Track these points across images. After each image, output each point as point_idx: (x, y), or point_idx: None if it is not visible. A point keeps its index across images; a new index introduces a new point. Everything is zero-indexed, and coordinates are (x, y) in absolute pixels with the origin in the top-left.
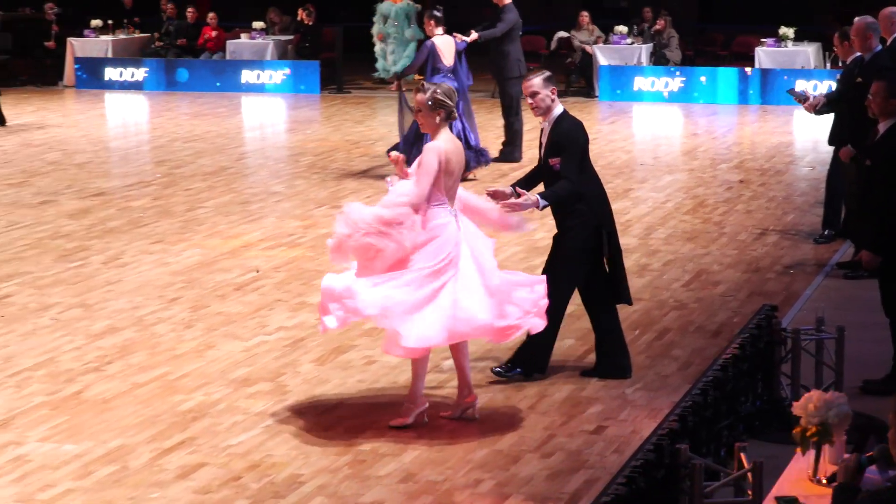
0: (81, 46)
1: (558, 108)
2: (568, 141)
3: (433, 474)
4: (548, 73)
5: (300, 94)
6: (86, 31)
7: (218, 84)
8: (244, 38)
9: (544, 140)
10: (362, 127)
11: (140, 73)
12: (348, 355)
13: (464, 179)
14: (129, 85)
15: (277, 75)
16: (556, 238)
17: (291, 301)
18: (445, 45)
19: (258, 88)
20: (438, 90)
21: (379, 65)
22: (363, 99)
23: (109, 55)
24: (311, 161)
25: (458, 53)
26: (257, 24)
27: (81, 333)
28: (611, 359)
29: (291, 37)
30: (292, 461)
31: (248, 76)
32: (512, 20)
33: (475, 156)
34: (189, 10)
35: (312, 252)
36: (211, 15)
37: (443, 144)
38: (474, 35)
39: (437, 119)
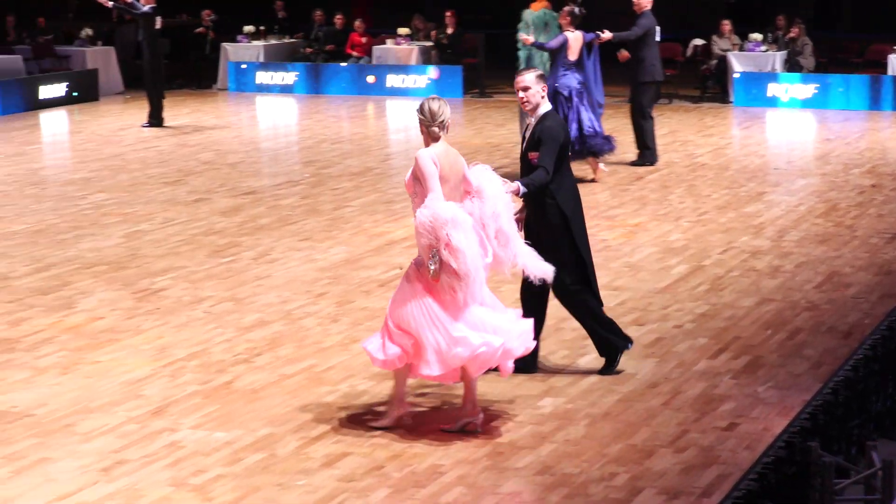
0: (235, 51)
1: (545, 106)
2: (549, 136)
3: (569, 467)
4: (539, 72)
5: (445, 97)
6: (239, 37)
7: (363, 88)
8: (390, 43)
9: (527, 135)
10: (504, 130)
11: (290, 77)
12: None
13: (593, 180)
14: (279, 88)
15: (421, 80)
16: (527, 227)
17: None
18: (575, 41)
19: (402, 92)
20: (419, 108)
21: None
22: (505, 103)
23: (261, 60)
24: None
25: (588, 46)
26: (402, 31)
27: (232, 326)
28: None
29: (432, 43)
30: (433, 452)
31: (392, 80)
32: (647, 25)
33: (605, 142)
34: (337, 16)
35: None
36: (357, 22)
37: (431, 149)
38: (608, 35)
39: (421, 130)
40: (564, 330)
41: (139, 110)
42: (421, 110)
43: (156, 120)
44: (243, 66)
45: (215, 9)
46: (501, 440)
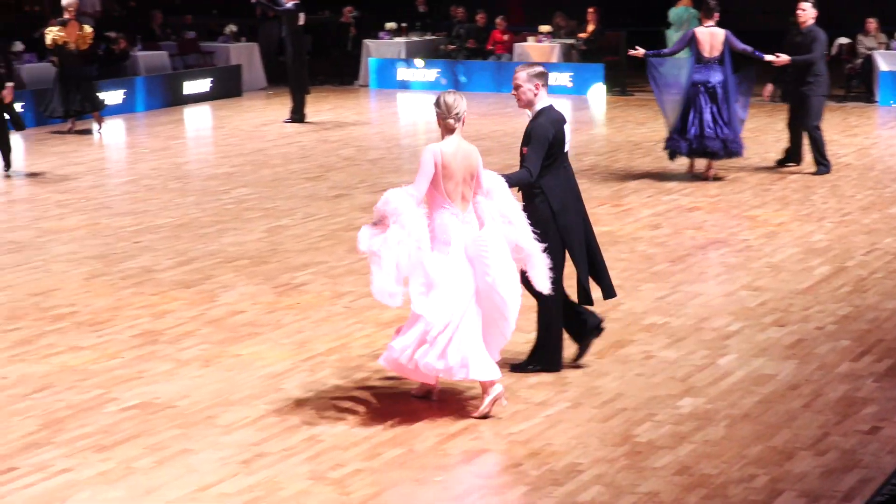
0: (376, 48)
1: (542, 103)
2: (537, 134)
3: (708, 468)
4: (538, 70)
5: (583, 96)
6: (381, 34)
7: (504, 85)
8: (531, 41)
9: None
10: (644, 129)
11: (431, 74)
12: (627, 350)
13: (705, 177)
14: (420, 85)
15: (563, 77)
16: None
17: (572, 296)
18: (707, 36)
19: None
20: (436, 99)
21: None
22: (646, 101)
23: (402, 56)
24: (594, 161)
25: (741, 55)
26: (544, 28)
27: (372, 322)
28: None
29: (573, 41)
30: (571, 450)
31: None
32: (823, 40)
33: (722, 147)
34: (479, 14)
35: None
36: (499, 20)
37: (439, 146)
38: (785, 58)
39: (437, 123)
40: (704, 330)
41: (281, 106)
42: (437, 103)
43: (298, 116)
44: (412, 69)
45: (357, 5)
46: (640, 439)
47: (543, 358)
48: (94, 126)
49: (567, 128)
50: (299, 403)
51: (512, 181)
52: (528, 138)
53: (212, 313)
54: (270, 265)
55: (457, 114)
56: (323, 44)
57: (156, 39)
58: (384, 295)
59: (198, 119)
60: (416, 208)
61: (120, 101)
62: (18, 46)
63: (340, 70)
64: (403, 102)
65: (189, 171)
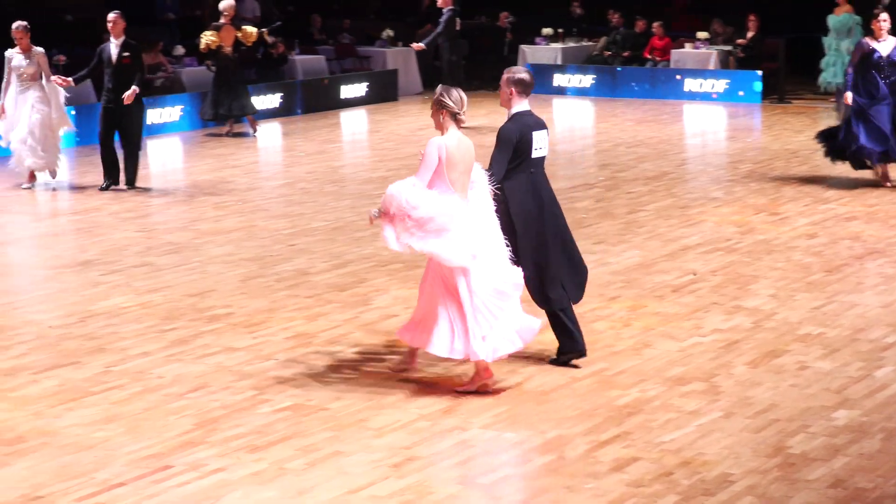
0: (533, 53)
1: (518, 108)
2: (501, 136)
3: (863, 481)
4: (517, 77)
5: (741, 103)
6: (537, 39)
7: (662, 92)
8: (688, 48)
9: None
10: (802, 137)
11: (587, 80)
12: (782, 360)
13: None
14: (576, 91)
15: (719, 84)
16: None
17: (727, 304)
18: (883, 47)
19: (700, 97)
20: (445, 93)
21: (822, 76)
22: (804, 109)
23: (559, 62)
24: (751, 169)
25: None
26: (701, 35)
27: None
28: None
29: (730, 48)
30: (723, 460)
31: (690, 85)
32: None
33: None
34: (638, 21)
35: (748, 258)
36: (655, 25)
37: (443, 138)
38: None
39: (441, 118)
40: (860, 341)
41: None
42: (450, 97)
43: None
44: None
45: (513, 10)
46: (793, 451)
47: (565, 346)
48: (250, 130)
49: (541, 134)
50: (450, 408)
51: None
52: (496, 141)
53: (365, 317)
54: (423, 269)
55: (465, 110)
56: (479, 49)
57: (314, 44)
58: (466, 256)
59: (354, 123)
60: (429, 192)
61: (277, 105)
62: (179, 50)
63: (496, 75)
64: (559, 108)
65: (345, 174)
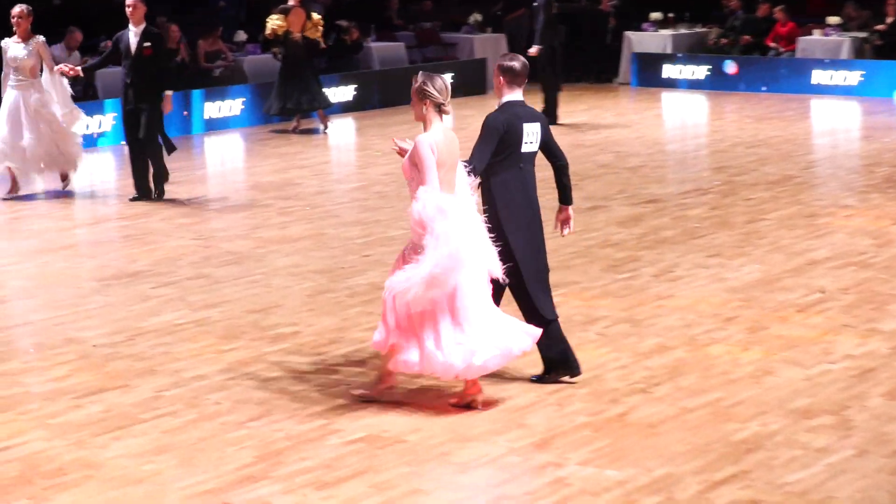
0: (639, 41)
1: (508, 97)
2: (486, 126)
3: None
4: (508, 65)
5: (877, 98)
6: (644, 25)
7: (786, 85)
8: (817, 34)
9: None
10: None
11: (701, 71)
12: None
13: None
14: (688, 83)
15: (853, 76)
16: None
17: (860, 327)
18: None
19: (830, 90)
20: (428, 81)
21: None
22: None
23: (668, 51)
24: (889, 173)
25: None
26: (832, 20)
27: (628, 351)
28: None
29: (866, 34)
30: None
31: (819, 77)
32: None
33: None
34: (761, 4)
35: (886, 274)
36: (777, 10)
37: (431, 135)
38: None
39: (423, 109)
40: None
41: (531, 105)
42: (434, 86)
43: (550, 116)
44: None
45: None
46: None
47: (546, 366)
48: (320, 126)
49: (533, 127)
50: (545, 441)
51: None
52: (480, 130)
53: None
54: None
55: (449, 100)
56: (579, 36)
57: (392, 29)
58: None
59: None
60: (456, 210)
61: (350, 98)
62: (241, 36)
63: (598, 66)
64: (669, 103)
65: None
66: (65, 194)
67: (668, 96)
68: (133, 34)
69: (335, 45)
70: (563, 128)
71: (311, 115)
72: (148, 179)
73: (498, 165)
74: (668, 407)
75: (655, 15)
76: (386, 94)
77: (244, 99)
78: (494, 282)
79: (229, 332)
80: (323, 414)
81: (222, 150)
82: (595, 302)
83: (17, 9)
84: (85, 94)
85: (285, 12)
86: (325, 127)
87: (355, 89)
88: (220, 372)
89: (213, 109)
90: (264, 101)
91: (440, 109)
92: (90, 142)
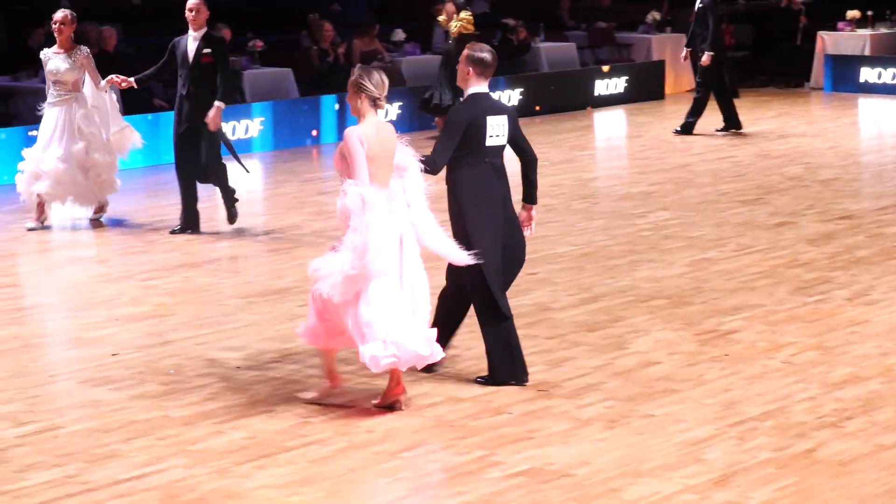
0: (834, 42)
1: (473, 89)
2: (448, 119)
3: None
4: (477, 56)
5: None
6: (839, 24)
7: None
8: None
9: None
10: None
11: None
12: None
13: None
14: (888, 88)
15: None
16: None
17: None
18: None
19: None
20: (364, 74)
21: None
22: None
23: (866, 53)
24: None
25: None
26: None
27: (817, 381)
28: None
29: None
30: None
31: None
32: None
33: None
34: None
35: None
36: None
37: (361, 128)
38: None
39: (359, 102)
40: None
41: (711, 111)
42: (370, 80)
43: (733, 123)
44: None
45: None
46: None
47: (491, 369)
48: None
49: (498, 120)
50: (724, 479)
51: (423, 161)
52: (444, 124)
53: (620, 363)
54: (693, 307)
55: (385, 94)
56: (766, 36)
57: (562, 29)
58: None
59: (610, 125)
60: (380, 203)
61: (516, 102)
62: (399, 35)
63: (787, 68)
64: (866, 110)
65: (597, 188)
66: (35, 227)
67: (864, 102)
68: (192, 39)
69: (500, 44)
70: (747, 136)
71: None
72: (196, 210)
73: (462, 160)
74: (862, 443)
75: (852, 13)
76: (554, 98)
77: (400, 103)
78: (474, 272)
79: None
80: (482, 444)
81: None
82: (781, 327)
83: (59, 14)
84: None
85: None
86: None
87: (521, 93)
88: (371, 397)
89: None
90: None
91: (375, 103)
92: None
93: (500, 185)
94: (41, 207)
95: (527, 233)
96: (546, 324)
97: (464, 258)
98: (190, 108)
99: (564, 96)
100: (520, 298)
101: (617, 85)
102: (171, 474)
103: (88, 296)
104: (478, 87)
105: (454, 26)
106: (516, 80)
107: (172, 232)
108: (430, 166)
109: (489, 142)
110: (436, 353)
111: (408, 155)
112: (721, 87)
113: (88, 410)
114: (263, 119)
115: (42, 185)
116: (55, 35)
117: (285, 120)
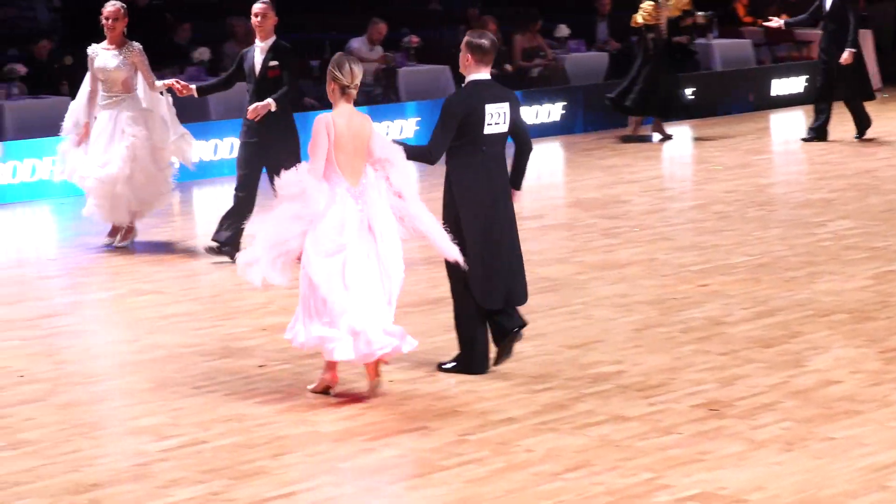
0: None
1: (473, 76)
2: (444, 108)
3: None
4: (476, 42)
5: None
6: None
7: None
8: None
9: None
10: None
11: None
12: None
13: None
14: None
15: None
16: None
17: None
18: None
19: None
20: (336, 65)
21: None
22: None
23: None
24: None
25: None
26: None
27: None
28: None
29: None
30: None
31: None
32: None
33: None
34: None
35: None
36: None
37: (331, 115)
38: None
39: (331, 90)
40: None
41: (883, 114)
42: (341, 69)
43: (863, 129)
44: None
45: None
46: None
47: (460, 358)
48: (654, 135)
49: (498, 108)
50: None
51: (410, 153)
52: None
53: (797, 382)
54: (877, 322)
55: (357, 84)
56: (886, 40)
57: (737, 25)
58: (242, 265)
59: (788, 127)
60: (320, 185)
61: (687, 101)
62: (563, 31)
63: None
64: None
65: (774, 195)
66: (116, 245)
67: None
68: (259, 51)
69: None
70: (881, 145)
71: (647, 120)
72: (242, 234)
73: (459, 149)
74: None
75: None
76: (731, 100)
77: (564, 104)
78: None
79: (544, 370)
80: (650, 466)
81: (539, 161)
82: None
83: (110, 7)
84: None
85: None
86: (662, 135)
87: (693, 92)
88: (532, 414)
89: (530, 114)
90: (587, 106)
91: (345, 92)
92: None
93: (497, 179)
94: (115, 228)
95: None
96: (718, 339)
97: (454, 253)
98: (256, 123)
99: (740, 96)
100: (691, 311)
101: (795, 84)
102: (320, 493)
103: (235, 304)
104: (478, 74)
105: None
106: (687, 79)
107: (209, 250)
108: (426, 157)
109: (487, 130)
110: (394, 346)
111: (392, 148)
112: (859, 88)
113: (234, 424)
114: (419, 119)
115: (88, 206)
116: (105, 31)
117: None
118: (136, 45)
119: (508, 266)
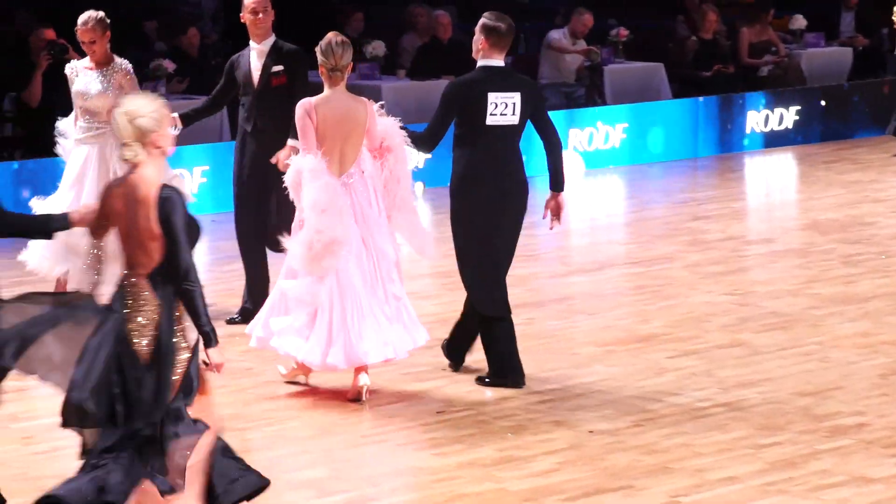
0: None
1: (484, 61)
2: (444, 91)
3: None
4: (491, 24)
5: None
6: None
7: None
8: None
9: None
10: None
11: None
12: None
13: None
14: None
15: None
16: None
17: None
18: None
19: None
20: (323, 45)
21: None
22: None
23: None
24: None
25: None
26: None
27: None
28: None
29: None
30: None
31: None
32: None
33: None
34: None
35: None
36: None
37: (314, 100)
38: None
39: (320, 73)
40: None
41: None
42: (323, 50)
43: None
44: None
45: None
46: None
47: (492, 370)
48: None
49: (506, 97)
50: None
51: (412, 137)
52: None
53: None
54: None
55: (344, 65)
56: None
57: None
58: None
59: None
60: (320, 175)
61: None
62: (799, 22)
63: None
64: None
65: None
66: None
67: None
68: (255, 54)
69: None
70: None
71: None
72: (266, 288)
73: (464, 137)
74: None
75: None
76: None
77: (798, 107)
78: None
79: (771, 421)
80: None
81: (768, 175)
82: None
83: (86, 19)
84: None
85: None
86: None
87: None
88: (756, 473)
89: (758, 120)
90: (826, 111)
91: (330, 76)
92: None
93: (504, 177)
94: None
95: (553, 225)
96: None
97: (431, 253)
98: (256, 148)
99: None
100: None
101: None
102: None
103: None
104: (490, 59)
105: None
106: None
107: (231, 321)
108: (419, 145)
109: (491, 120)
110: (377, 355)
111: (392, 134)
112: None
113: (407, 479)
114: (627, 126)
115: (68, 262)
116: (83, 46)
117: (652, 126)
118: (125, 63)
119: (503, 271)
